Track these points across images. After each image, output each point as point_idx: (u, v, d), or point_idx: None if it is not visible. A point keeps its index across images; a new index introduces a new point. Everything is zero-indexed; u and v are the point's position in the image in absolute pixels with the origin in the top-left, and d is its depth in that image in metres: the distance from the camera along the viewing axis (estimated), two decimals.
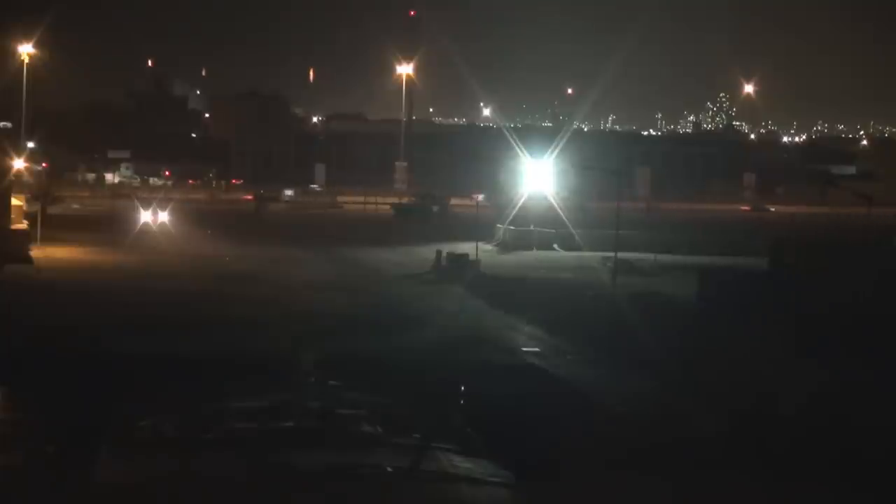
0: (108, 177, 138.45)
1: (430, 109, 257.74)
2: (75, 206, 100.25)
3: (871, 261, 50.03)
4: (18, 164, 79.10)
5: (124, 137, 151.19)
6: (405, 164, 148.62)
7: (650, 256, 70.32)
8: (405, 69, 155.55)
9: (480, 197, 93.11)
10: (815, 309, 44.10)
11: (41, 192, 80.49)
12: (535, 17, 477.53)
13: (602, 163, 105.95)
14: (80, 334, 41.00)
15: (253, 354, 37.76)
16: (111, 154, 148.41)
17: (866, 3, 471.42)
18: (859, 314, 43.08)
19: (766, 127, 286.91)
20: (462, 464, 18.12)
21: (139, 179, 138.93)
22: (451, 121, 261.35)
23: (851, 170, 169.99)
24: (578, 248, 75.09)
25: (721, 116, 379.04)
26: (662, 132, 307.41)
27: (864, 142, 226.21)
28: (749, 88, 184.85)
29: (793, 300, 45.96)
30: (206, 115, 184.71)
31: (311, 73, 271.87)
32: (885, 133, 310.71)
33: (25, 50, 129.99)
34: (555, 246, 78.72)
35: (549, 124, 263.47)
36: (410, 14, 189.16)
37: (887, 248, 57.04)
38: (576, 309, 51.21)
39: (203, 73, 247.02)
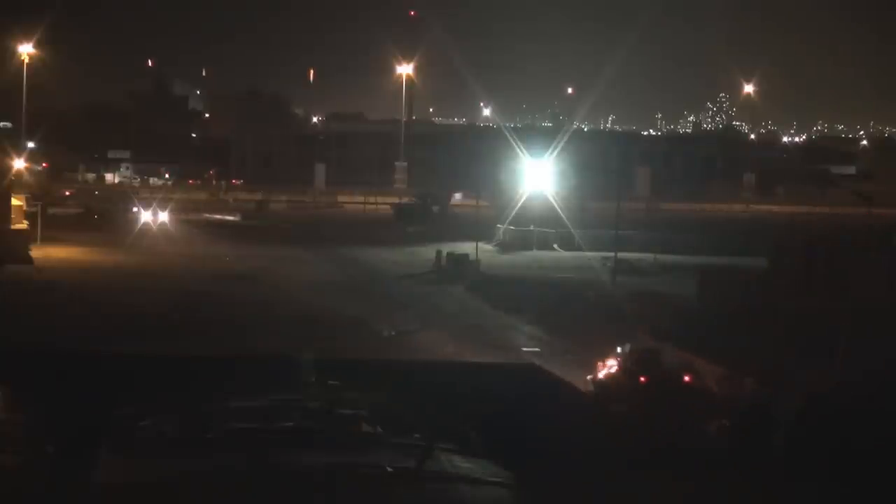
0: (108, 177, 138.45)
1: (430, 109, 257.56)
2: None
3: (871, 261, 50.01)
4: (18, 164, 79.16)
5: (124, 137, 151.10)
6: (405, 164, 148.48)
7: (650, 256, 70.32)
8: (405, 69, 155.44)
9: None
10: (814, 309, 44.05)
11: (41, 192, 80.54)
12: (536, 16, 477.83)
13: (602, 163, 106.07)
14: (79, 334, 41.00)
15: (253, 354, 37.73)
16: (111, 154, 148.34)
17: (866, 3, 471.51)
18: (860, 315, 43.01)
19: (766, 127, 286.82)
20: (462, 464, 18.05)
21: (139, 179, 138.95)
22: (451, 121, 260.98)
23: (851, 170, 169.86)
24: (578, 248, 75.07)
25: (721, 116, 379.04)
26: (662, 132, 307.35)
27: (864, 142, 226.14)
28: (749, 88, 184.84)
29: (793, 300, 45.94)
30: (206, 115, 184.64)
31: (311, 73, 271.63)
32: (885, 133, 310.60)
33: (25, 50, 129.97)
34: (555, 246, 78.73)
35: (549, 124, 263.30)
36: (411, 14, 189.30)
37: (888, 248, 57.01)
38: (576, 309, 51.22)
39: (203, 73, 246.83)
